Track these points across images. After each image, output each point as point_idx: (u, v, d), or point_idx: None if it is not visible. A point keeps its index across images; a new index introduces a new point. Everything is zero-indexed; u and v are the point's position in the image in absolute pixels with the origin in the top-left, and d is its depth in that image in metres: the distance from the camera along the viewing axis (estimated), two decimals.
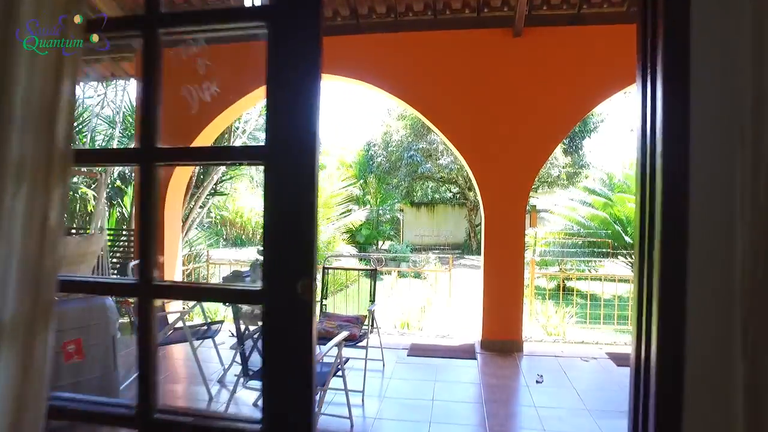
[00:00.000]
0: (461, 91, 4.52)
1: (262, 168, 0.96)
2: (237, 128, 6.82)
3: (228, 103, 4.90)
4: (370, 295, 3.86)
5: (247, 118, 7.08)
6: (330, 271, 4.09)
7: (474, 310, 7.31)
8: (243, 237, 20.15)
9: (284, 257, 0.94)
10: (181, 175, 5.28)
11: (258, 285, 0.96)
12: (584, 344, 5.37)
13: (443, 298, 7.84)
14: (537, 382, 3.72)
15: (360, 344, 3.49)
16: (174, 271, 5.30)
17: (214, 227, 20.56)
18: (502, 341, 4.45)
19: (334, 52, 4.66)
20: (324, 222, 8.36)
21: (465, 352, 4.37)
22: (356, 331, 3.56)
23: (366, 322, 3.69)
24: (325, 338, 3.47)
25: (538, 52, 4.40)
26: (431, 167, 18.12)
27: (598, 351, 4.59)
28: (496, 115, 4.47)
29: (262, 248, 0.95)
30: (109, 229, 6.28)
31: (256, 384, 2.76)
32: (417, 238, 21.72)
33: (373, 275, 3.97)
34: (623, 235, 9.75)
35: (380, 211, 19.35)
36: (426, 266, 15.34)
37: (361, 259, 11.08)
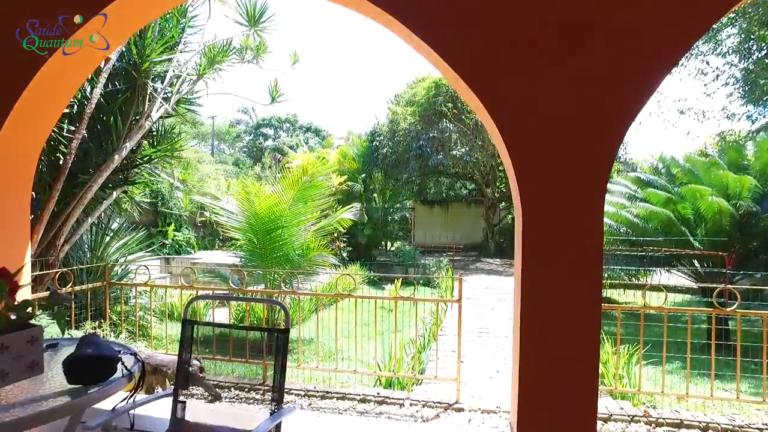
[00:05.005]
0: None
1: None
2: (157, 90, 4.77)
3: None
4: (273, 388, 1.74)
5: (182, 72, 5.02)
6: (200, 326, 2.00)
7: (493, 346, 5.11)
8: None
9: None
10: (20, 149, 3.25)
11: None
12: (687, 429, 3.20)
13: (452, 329, 5.70)
14: None
15: None
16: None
17: (209, 227, 18.84)
18: None
19: None
20: (296, 222, 6.32)
21: None
22: None
23: None
24: None
25: None
26: (443, 159, 15.92)
27: None
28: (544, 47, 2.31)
29: None
30: None
31: None
32: (429, 238, 19.63)
33: (280, 341, 1.79)
34: (691, 238, 7.41)
35: (389, 210, 17.22)
36: (435, 273, 13.21)
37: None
